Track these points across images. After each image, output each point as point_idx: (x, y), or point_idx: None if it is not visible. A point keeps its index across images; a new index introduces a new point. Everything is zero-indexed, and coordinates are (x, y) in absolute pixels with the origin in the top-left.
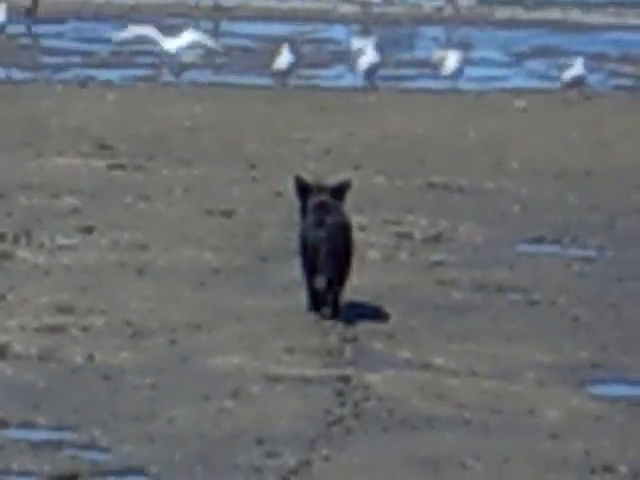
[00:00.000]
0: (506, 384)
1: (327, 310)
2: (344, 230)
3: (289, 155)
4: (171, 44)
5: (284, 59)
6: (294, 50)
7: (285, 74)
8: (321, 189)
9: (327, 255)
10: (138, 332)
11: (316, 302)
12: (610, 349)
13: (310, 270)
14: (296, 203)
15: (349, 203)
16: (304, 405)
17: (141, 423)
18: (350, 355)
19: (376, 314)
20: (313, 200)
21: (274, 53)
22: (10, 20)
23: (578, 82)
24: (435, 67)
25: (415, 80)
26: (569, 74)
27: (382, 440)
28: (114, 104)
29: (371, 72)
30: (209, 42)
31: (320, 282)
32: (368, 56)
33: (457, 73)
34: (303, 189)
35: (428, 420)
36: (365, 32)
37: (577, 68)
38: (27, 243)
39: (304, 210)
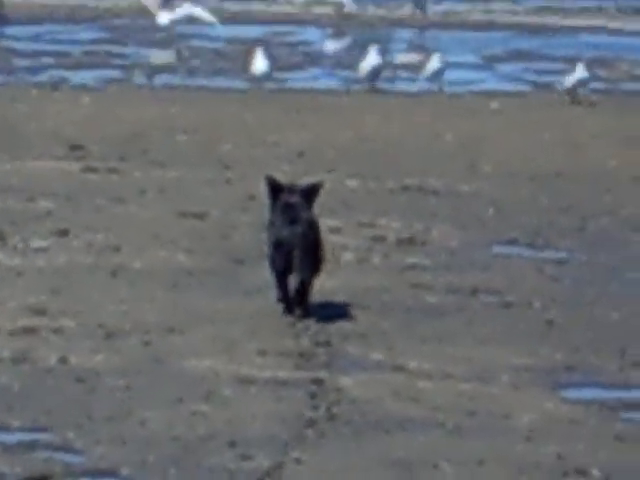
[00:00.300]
0: (480, 387)
1: (298, 311)
2: (315, 230)
3: (263, 157)
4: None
5: (260, 64)
6: (268, 54)
7: (262, 79)
8: (292, 190)
9: (300, 255)
10: (111, 334)
11: (289, 304)
12: (583, 351)
13: (282, 270)
14: (266, 203)
15: (323, 205)
16: (277, 408)
17: (114, 425)
18: (323, 358)
19: (346, 314)
20: (282, 200)
21: (248, 55)
22: None
23: (581, 86)
24: (412, 69)
25: (389, 82)
26: (572, 78)
27: (355, 443)
28: (87, 106)
29: (374, 75)
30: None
31: (294, 281)
32: (370, 59)
33: (438, 75)
34: (274, 189)
35: (401, 423)
36: (338, 34)
37: (579, 72)
38: (1, 246)
39: (274, 210)
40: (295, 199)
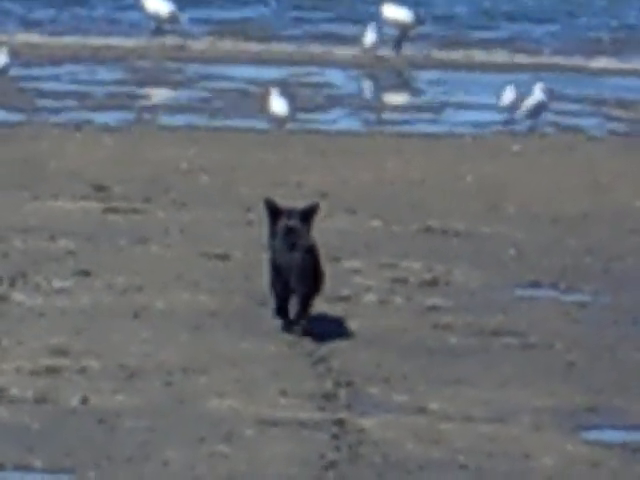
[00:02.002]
0: (501, 428)
1: (298, 329)
2: (313, 254)
3: (285, 198)
4: None
5: (278, 105)
6: (284, 93)
7: (284, 120)
8: (290, 213)
9: (300, 277)
10: (133, 375)
11: (288, 322)
12: (605, 394)
13: (282, 290)
14: (265, 226)
15: (345, 247)
16: (298, 449)
17: (135, 466)
18: (345, 399)
19: (340, 326)
20: (282, 224)
21: (264, 97)
22: (12, 63)
23: (539, 110)
24: (435, 110)
25: (411, 124)
26: (528, 102)
27: None
28: (109, 147)
29: (537, 113)
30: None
31: (295, 303)
32: (535, 96)
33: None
34: (273, 212)
35: (423, 464)
36: (365, 76)
37: (537, 95)
38: (23, 286)
39: (273, 233)
40: (294, 223)
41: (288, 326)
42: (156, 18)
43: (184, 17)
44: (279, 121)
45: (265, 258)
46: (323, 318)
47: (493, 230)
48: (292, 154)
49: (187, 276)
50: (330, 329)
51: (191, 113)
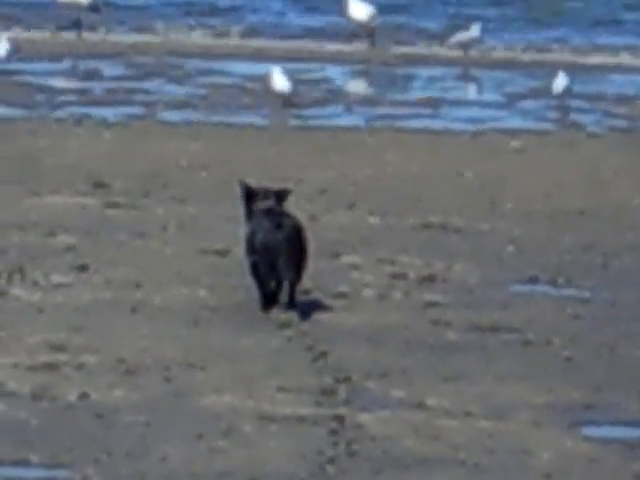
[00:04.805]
0: (499, 424)
1: (285, 305)
2: (300, 231)
3: None
4: None
5: (281, 82)
6: (286, 73)
7: (289, 97)
8: (266, 194)
9: (288, 257)
10: (132, 370)
11: (269, 302)
12: (604, 390)
13: (265, 272)
14: (241, 208)
15: (344, 242)
16: (297, 445)
17: (134, 461)
18: (343, 395)
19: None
20: (262, 205)
21: (267, 79)
22: (11, 56)
23: (469, 44)
24: (434, 106)
25: (411, 119)
26: (461, 36)
27: None
28: (109, 142)
29: (566, 94)
30: None
31: (285, 287)
32: (561, 79)
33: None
34: (249, 194)
35: (421, 460)
36: (362, 73)
37: (473, 30)
38: (21, 281)
39: (250, 214)
40: (274, 203)
41: (267, 304)
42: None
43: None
44: (282, 98)
45: (244, 241)
46: (322, 313)
47: (492, 226)
48: (291, 150)
49: (186, 271)
50: (329, 325)
51: (191, 109)
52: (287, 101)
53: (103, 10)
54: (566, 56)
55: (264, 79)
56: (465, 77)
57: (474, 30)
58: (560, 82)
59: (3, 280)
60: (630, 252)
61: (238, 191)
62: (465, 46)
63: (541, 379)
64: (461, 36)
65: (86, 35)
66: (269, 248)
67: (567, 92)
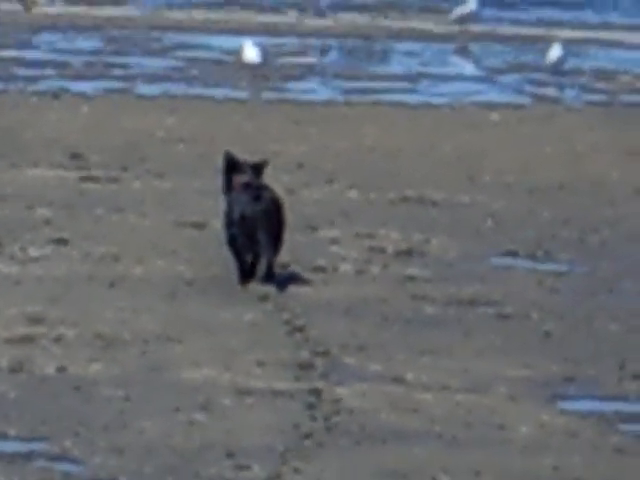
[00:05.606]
0: (477, 398)
1: (261, 277)
2: (278, 204)
3: None
4: None
5: (251, 53)
6: (259, 46)
7: (258, 68)
8: (246, 167)
9: (266, 230)
10: (110, 343)
11: (246, 275)
12: (581, 364)
13: (243, 244)
14: (220, 178)
15: (322, 216)
16: (275, 418)
17: (112, 434)
18: (321, 369)
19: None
20: (242, 177)
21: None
22: None
23: (468, 18)
24: (411, 80)
25: (389, 93)
26: (460, 10)
27: (353, 454)
28: (87, 115)
29: (560, 64)
30: None
31: (263, 260)
32: (555, 49)
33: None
34: (232, 166)
35: (399, 434)
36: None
37: (470, 4)
38: None
39: (229, 186)
40: (253, 176)
41: (244, 277)
42: None
43: None
44: (252, 69)
45: (223, 212)
46: (300, 287)
47: (470, 200)
48: (269, 123)
49: (164, 245)
50: (307, 298)
51: (168, 82)
52: (257, 72)
53: None
54: (542, 31)
55: (238, 52)
56: (458, 51)
57: (471, 3)
58: (554, 53)
59: None
60: (608, 226)
61: (221, 161)
62: (464, 20)
63: (519, 353)
64: (461, 10)
65: (66, 8)
66: (247, 220)
67: (560, 63)
